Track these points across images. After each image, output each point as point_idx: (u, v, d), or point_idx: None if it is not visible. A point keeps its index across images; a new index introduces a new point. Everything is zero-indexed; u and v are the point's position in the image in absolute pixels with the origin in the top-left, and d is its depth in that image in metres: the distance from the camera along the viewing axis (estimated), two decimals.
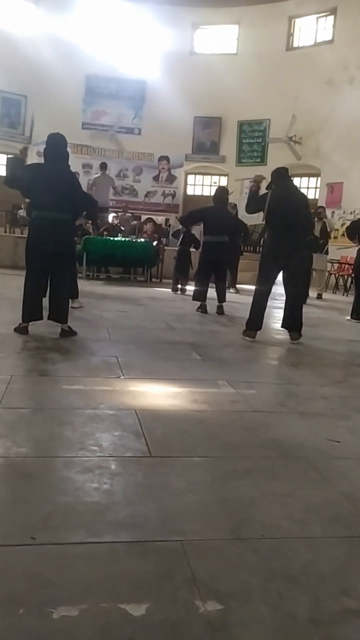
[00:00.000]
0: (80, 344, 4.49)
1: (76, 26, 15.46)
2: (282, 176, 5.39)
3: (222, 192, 7.40)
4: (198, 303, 7.03)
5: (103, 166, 12.95)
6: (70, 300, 5.20)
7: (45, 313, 4.68)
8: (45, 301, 4.70)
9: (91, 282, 9.91)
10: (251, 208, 5.55)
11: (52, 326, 4.69)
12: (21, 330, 4.57)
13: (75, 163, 4.80)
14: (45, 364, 3.74)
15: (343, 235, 11.79)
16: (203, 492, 2.03)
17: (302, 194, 5.69)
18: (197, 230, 9.90)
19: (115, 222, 11.64)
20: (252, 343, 5.16)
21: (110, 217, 11.89)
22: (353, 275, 8.37)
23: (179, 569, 1.54)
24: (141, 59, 15.82)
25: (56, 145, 4.65)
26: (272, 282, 5.40)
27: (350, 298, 8.94)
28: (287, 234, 5.15)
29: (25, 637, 1.26)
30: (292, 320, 5.39)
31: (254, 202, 5.49)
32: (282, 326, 5.53)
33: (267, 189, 5.52)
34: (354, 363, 4.83)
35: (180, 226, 9.51)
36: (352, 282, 11.62)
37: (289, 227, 5.14)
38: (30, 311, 4.60)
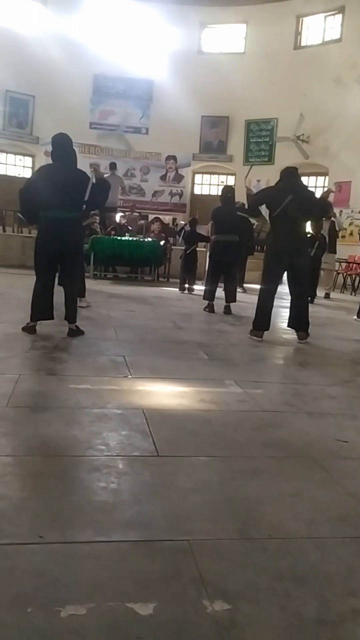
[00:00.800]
0: (88, 343, 4.50)
1: (84, 26, 15.48)
2: (289, 175, 5.37)
3: (227, 191, 7.40)
4: (206, 302, 7.03)
5: (112, 166, 12.98)
6: (77, 299, 5.21)
7: (55, 313, 4.71)
8: (57, 301, 4.72)
9: (98, 281, 9.93)
10: (254, 210, 5.67)
11: (59, 325, 4.70)
12: (29, 329, 4.59)
13: (82, 163, 4.79)
14: (53, 363, 3.75)
15: (351, 234, 11.79)
16: (210, 492, 2.03)
17: (310, 191, 5.64)
18: (204, 230, 9.92)
19: (123, 221, 11.66)
20: (260, 343, 5.15)
21: (118, 217, 11.91)
22: None
23: (187, 569, 1.54)
24: (148, 58, 15.81)
25: (61, 145, 4.67)
26: (277, 281, 5.39)
27: (358, 297, 8.92)
28: (291, 232, 5.13)
29: (34, 636, 1.27)
30: (299, 320, 5.37)
31: (254, 202, 5.56)
32: (288, 326, 5.51)
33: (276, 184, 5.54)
34: None
35: (188, 227, 9.55)
36: None
37: (293, 226, 5.12)
38: (39, 311, 4.62)
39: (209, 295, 7.05)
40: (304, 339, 5.31)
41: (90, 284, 7.22)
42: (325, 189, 5.85)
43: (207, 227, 9.42)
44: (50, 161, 4.83)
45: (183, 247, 9.56)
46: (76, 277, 5.00)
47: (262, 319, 5.27)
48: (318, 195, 5.94)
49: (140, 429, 2.59)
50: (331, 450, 2.55)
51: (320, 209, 5.71)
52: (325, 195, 5.88)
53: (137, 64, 15.84)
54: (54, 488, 1.97)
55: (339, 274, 12.34)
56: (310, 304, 8.92)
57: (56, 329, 4.69)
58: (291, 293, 5.46)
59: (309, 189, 5.85)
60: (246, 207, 6.16)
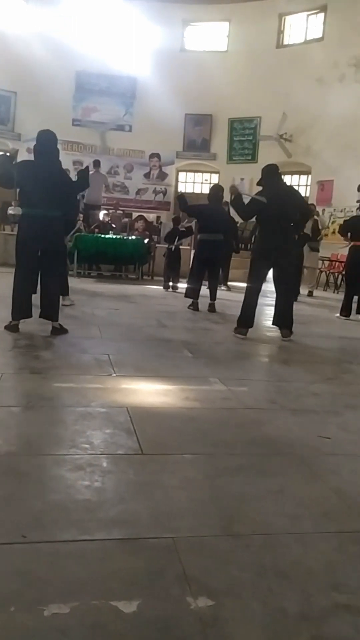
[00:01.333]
0: (72, 341, 4.48)
1: (66, 22, 15.38)
2: (271, 173, 5.40)
3: (216, 190, 7.41)
4: (190, 300, 7.04)
5: (96, 164, 12.92)
6: (61, 297, 5.19)
7: (37, 311, 4.67)
8: (36, 299, 4.69)
9: (82, 279, 9.88)
10: (248, 214, 5.60)
11: (43, 324, 4.68)
12: (12, 328, 4.55)
13: (65, 160, 4.78)
14: (36, 362, 3.73)
15: (334, 233, 11.86)
16: (194, 489, 2.04)
17: (293, 190, 5.69)
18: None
19: (107, 219, 11.62)
20: (244, 340, 5.17)
21: (102, 215, 11.87)
22: (344, 272, 8.40)
23: (171, 566, 1.55)
24: (131, 55, 15.76)
25: (46, 142, 4.63)
26: (262, 279, 5.42)
27: (341, 295, 8.97)
28: (278, 231, 5.16)
29: (17, 635, 1.26)
30: (283, 318, 5.40)
31: (247, 208, 5.47)
32: (273, 323, 5.54)
33: (257, 184, 5.54)
34: (345, 360, 4.85)
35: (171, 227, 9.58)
36: (342, 280, 11.67)
37: (279, 225, 5.15)
38: (20, 309, 4.59)
39: (193, 293, 7.06)
40: (287, 336, 5.33)
41: (73, 282, 7.19)
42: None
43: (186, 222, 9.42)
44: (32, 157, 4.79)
45: (167, 246, 9.56)
46: (58, 275, 4.97)
47: (247, 316, 5.29)
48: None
49: (124, 427, 2.59)
50: (314, 447, 2.57)
51: (303, 214, 5.75)
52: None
53: (120, 61, 15.77)
54: (37, 487, 1.96)
55: (321, 272, 12.42)
56: (294, 302, 8.99)
57: (40, 328, 4.66)
58: (276, 291, 5.49)
59: (294, 187, 5.94)
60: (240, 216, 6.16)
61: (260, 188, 5.43)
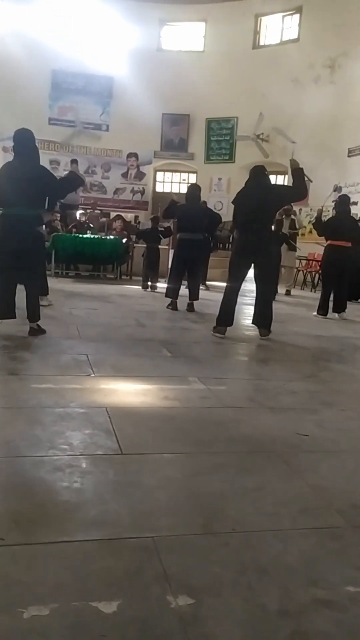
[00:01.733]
0: (50, 342, 4.45)
1: (42, 21, 15.25)
2: (254, 174, 5.46)
3: (194, 189, 7.45)
4: (169, 300, 7.03)
5: (74, 162, 12.85)
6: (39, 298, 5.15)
7: (18, 312, 4.64)
8: (19, 300, 4.65)
9: (60, 279, 9.82)
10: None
11: (20, 324, 4.64)
12: None
13: (42, 159, 4.73)
14: (14, 363, 3.69)
15: (311, 232, 11.97)
16: (174, 488, 2.04)
17: (274, 188, 5.68)
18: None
19: (83, 219, 11.55)
20: (222, 339, 5.19)
21: (78, 214, 11.80)
22: (320, 271, 8.48)
23: (151, 565, 1.55)
24: (108, 54, 15.70)
25: (24, 140, 4.59)
26: (241, 278, 5.43)
27: (318, 294, 9.07)
28: (256, 230, 5.18)
29: None
30: (262, 317, 5.43)
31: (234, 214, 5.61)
32: (252, 322, 5.57)
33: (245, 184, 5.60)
34: (322, 358, 4.90)
35: (148, 226, 9.58)
36: (319, 279, 11.80)
37: (257, 224, 5.17)
38: (1, 310, 4.56)
39: (172, 293, 7.06)
40: (265, 335, 5.36)
41: (51, 282, 7.13)
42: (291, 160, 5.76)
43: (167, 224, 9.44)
44: (10, 157, 4.75)
45: (145, 245, 9.55)
46: (37, 275, 4.95)
47: (226, 315, 5.31)
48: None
49: (103, 428, 2.58)
50: (293, 444, 2.59)
51: (296, 192, 5.61)
52: (294, 163, 5.70)
53: (97, 61, 15.70)
54: (15, 489, 1.94)
55: (299, 271, 12.53)
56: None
57: (17, 328, 4.61)
58: (256, 290, 5.53)
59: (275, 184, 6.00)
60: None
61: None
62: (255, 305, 5.54)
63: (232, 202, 5.63)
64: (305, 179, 5.60)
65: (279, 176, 15.64)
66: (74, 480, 2.03)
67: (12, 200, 4.45)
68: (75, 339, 4.65)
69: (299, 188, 5.50)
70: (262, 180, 5.49)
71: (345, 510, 1.97)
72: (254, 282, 5.56)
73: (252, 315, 5.63)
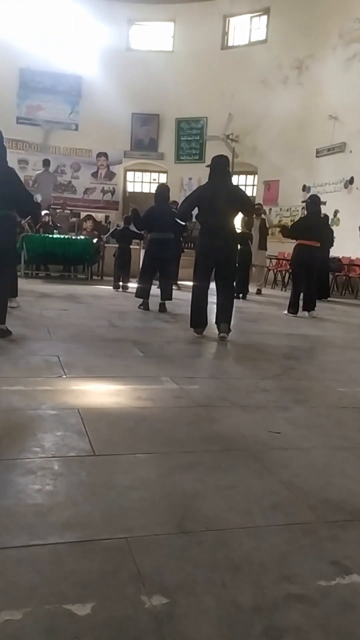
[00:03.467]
0: (20, 343, 4.39)
1: (9, 19, 15.06)
2: (213, 169, 5.37)
3: (162, 189, 7.45)
4: (140, 300, 7.02)
5: (46, 163, 12.82)
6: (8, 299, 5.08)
7: None
8: None
9: (30, 280, 9.72)
10: (185, 215, 5.82)
11: None
12: None
13: (10, 158, 4.68)
14: None
15: (280, 232, 12.11)
16: (148, 488, 2.04)
17: (239, 193, 5.62)
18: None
19: (46, 219, 11.36)
20: (194, 339, 5.20)
21: (42, 214, 11.66)
22: (290, 271, 8.57)
23: (124, 566, 1.54)
24: (77, 54, 15.60)
25: None
26: (207, 277, 5.40)
27: (288, 293, 9.17)
28: (217, 228, 5.15)
29: None
30: (221, 314, 5.30)
31: (185, 207, 5.58)
32: (214, 322, 5.38)
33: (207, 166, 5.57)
34: (292, 356, 4.96)
35: (117, 226, 9.55)
36: (289, 278, 11.94)
37: (218, 222, 5.14)
38: None
39: (143, 292, 7.04)
40: (225, 331, 5.23)
41: (21, 283, 7.04)
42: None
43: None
44: None
45: (116, 245, 9.51)
46: (8, 276, 4.89)
47: (198, 316, 5.30)
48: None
49: (76, 429, 2.56)
50: (265, 442, 2.61)
51: (249, 208, 5.87)
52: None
53: (65, 59, 15.59)
54: None
55: (269, 270, 12.65)
56: (243, 300, 9.14)
57: None
58: (217, 288, 5.46)
59: (237, 185, 5.97)
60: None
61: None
62: (217, 303, 5.41)
63: (190, 197, 5.56)
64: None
65: (248, 176, 15.78)
66: (46, 483, 2.01)
67: None
68: (46, 340, 4.60)
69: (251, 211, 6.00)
70: (228, 180, 5.48)
71: (317, 506, 1.99)
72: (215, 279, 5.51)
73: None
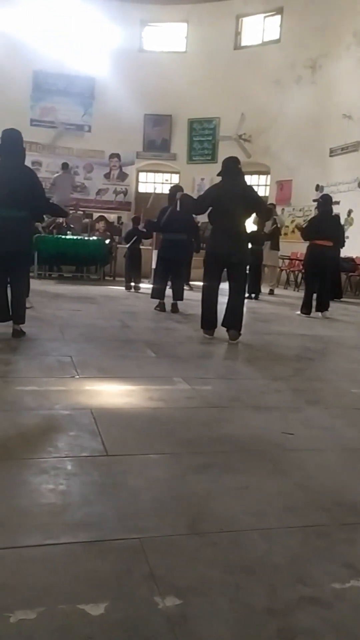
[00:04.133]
0: (34, 344, 4.41)
1: (23, 21, 15.14)
2: (227, 170, 5.30)
3: (175, 190, 7.44)
4: (156, 301, 7.01)
5: (64, 166, 13.00)
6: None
7: None
8: None
9: (43, 281, 9.76)
10: (200, 208, 5.64)
11: (3, 326, 4.60)
12: None
13: (25, 160, 4.72)
14: None
15: (293, 231, 12.07)
16: (160, 489, 2.04)
17: (248, 186, 5.54)
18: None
19: (60, 220, 11.40)
20: (207, 340, 5.19)
21: None
22: (303, 271, 8.53)
23: (138, 567, 1.54)
24: (90, 55, 15.64)
25: (11, 141, 4.53)
26: (217, 278, 5.28)
27: (301, 293, 9.12)
28: (229, 229, 5.10)
29: None
30: (231, 318, 5.18)
31: (201, 200, 5.51)
32: (222, 324, 5.25)
33: (217, 175, 5.46)
34: (305, 356, 4.93)
35: (131, 227, 9.57)
36: (302, 278, 11.88)
37: (230, 223, 5.09)
38: None
39: (159, 293, 7.03)
40: (235, 338, 5.11)
41: (34, 283, 7.09)
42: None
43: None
44: None
45: (127, 246, 9.54)
46: (24, 277, 4.92)
47: (208, 317, 5.26)
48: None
49: (88, 429, 2.57)
50: (278, 443, 2.60)
51: (265, 211, 5.80)
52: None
53: (78, 61, 15.64)
54: (0, 492, 1.92)
55: (282, 270, 12.60)
56: (255, 300, 9.11)
57: (0, 330, 4.58)
58: (229, 289, 5.30)
59: (250, 185, 5.78)
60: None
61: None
62: (226, 306, 5.28)
63: (202, 197, 5.53)
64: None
65: (261, 176, 15.73)
66: (60, 483, 2.02)
67: (2, 201, 4.37)
68: (59, 341, 4.62)
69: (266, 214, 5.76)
70: (240, 180, 5.40)
71: (331, 508, 1.98)
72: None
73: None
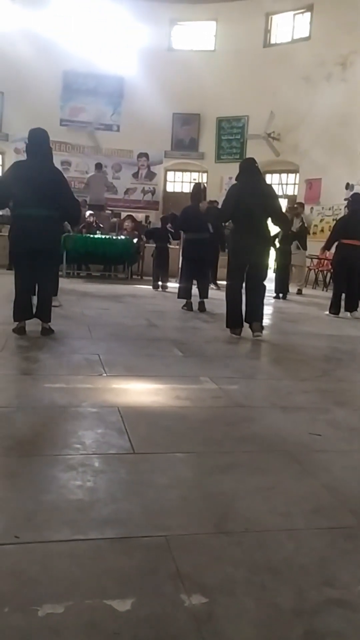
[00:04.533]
0: (62, 342, 4.47)
1: (53, 22, 15.31)
2: (245, 170, 5.34)
3: (197, 189, 7.47)
4: (183, 301, 7.02)
5: (98, 166, 13.17)
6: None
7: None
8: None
9: (71, 279, 9.86)
10: (225, 217, 5.72)
11: (32, 324, 4.66)
12: (19, 330, 4.52)
13: (54, 160, 4.76)
14: (27, 363, 3.72)
15: (322, 231, 11.96)
16: (186, 488, 2.04)
17: (268, 185, 5.53)
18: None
19: (92, 219, 11.53)
20: (233, 339, 5.18)
21: (87, 214, 11.85)
22: (332, 270, 8.41)
23: (164, 564, 1.55)
24: (119, 55, 15.72)
25: (38, 140, 4.57)
26: (240, 277, 5.29)
27: (329, 293, 9.00)
28: (249, 229, 5.09)
29: (11, 636, 1.26)
30: (252, 311, 5.24)
31: (226, 209, 5.48)
32: (245, 321, 5.30)
33: (236, 179, 5.50)
34: (334, 357, 4.88)
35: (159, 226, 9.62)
36: (330, 278, 11.75)
37: (251, 222, 5.09)
38: (22, 310, 4.58)
39: (186, 293, 7.03)
40: (258, 330, 5.17)
41: (63, 282, 7.16)
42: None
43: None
44: (22, 157, 4.78)
45: (154, 245, 9.57)
46: (51, 276, 4.95)
47: (234, 316, 5.25)
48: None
49: (115, 427, 2.59)
50: (305, 444, 2.58)
51: (281, 221, 5.78)
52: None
53: (107, 61, 15.73)
54: (29, 488, 1.95)
55: (310, 270, 12.48)
56: (283, 300, 9.05)
57: (29, 329, 4.64)
58: (246, 288, 5.34)
59: (271, 187, 5.79)
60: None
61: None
62: (246, 303, 5.31)
63: (224, 205, 5.53)
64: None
65: (289, 174, 15.60)
66: (87, 479, 2.04)
67: (25, 200, 4.43)
68: (87, 339, 4.67)
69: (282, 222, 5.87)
70: (259, 179, 5.39)
71: (358, 511, 1.96)
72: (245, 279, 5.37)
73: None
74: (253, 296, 5.30)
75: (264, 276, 5.40)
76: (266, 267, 5.43)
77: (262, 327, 5.23)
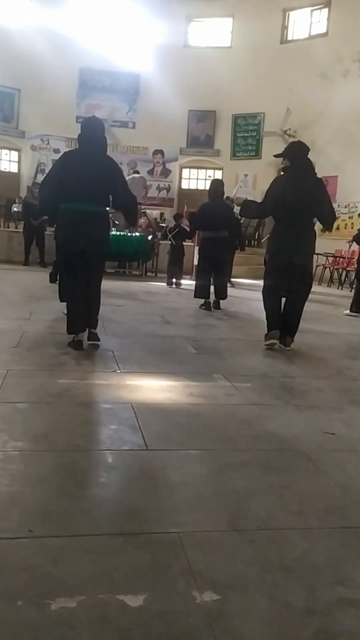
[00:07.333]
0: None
1: (69, 19, 15.37)
2: (294, 159, 4.66)
3: (216, 185, 7.25)
4: (197, 299, 6.92)
5: (136, 170, 13.25)
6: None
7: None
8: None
9: None
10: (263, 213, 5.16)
11: (49, 321, 4.69)
12: (76, 345, 4.03)
13: None
14: (42, 359, 3.74)
15: (337, 228, 11.86)
16: (199, 485, 2.05)
17: (318, 184, 4.79)
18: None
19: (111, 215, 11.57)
20: (247, 337, 5.16)
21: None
22: (356, 268, 8.23)
23: (176, 560, 1.56)
24: (135, 52, 15.74)
25: (91, 129, 4.12)
26: (278, 278, 4.75)
27: (345, 291, 8.96)
28: (294, 228, 4.57)
29: (24, 629, 1.27)
30: (285, 322, 4.76)
31: (262, 209, 4.93)
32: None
33: (282, 171, 4.92)
34: (349, 356, 4.84)
35: (173, 223, 9.59)
36: (346, 276, 11.68)
37: (294, 222, 4.56)
38: (79, 320, 4.11)
39: (203, 292, 6.88)
40: (289, 344, 4.74)
41: None
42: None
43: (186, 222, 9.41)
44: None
45: (169, 242, 9.57)
46: (102, 277, 4.38)
47: (272, 318, 4.76)
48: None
49: (129, 423, 2.60)
50: (319, 443, 2.57)
51: (328, 220, 4.87)
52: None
53: (123, 58, 15.77)
54: (43, 483, 1.97)
55: (326, 268, 12.41)
56: None
57: (44, 325, 4.67)
58: (289, 292, 4.81)
59: (323, 187, 4.90)
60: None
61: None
62: (282, 311, 4.79)
63: (268, 192, 4.77)
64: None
65: None
66: (100, 475, 2.05)
67: (75, 194, 3.94)
68: (101, 335, 4.66)
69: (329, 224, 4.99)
70: (312, 174, 4.76)
71: None
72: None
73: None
74: (293, 304, 4.77)
75: (307, 281, 4.76)
76: (310, 273, 4.84)
77: (292, 340, 4.76)
